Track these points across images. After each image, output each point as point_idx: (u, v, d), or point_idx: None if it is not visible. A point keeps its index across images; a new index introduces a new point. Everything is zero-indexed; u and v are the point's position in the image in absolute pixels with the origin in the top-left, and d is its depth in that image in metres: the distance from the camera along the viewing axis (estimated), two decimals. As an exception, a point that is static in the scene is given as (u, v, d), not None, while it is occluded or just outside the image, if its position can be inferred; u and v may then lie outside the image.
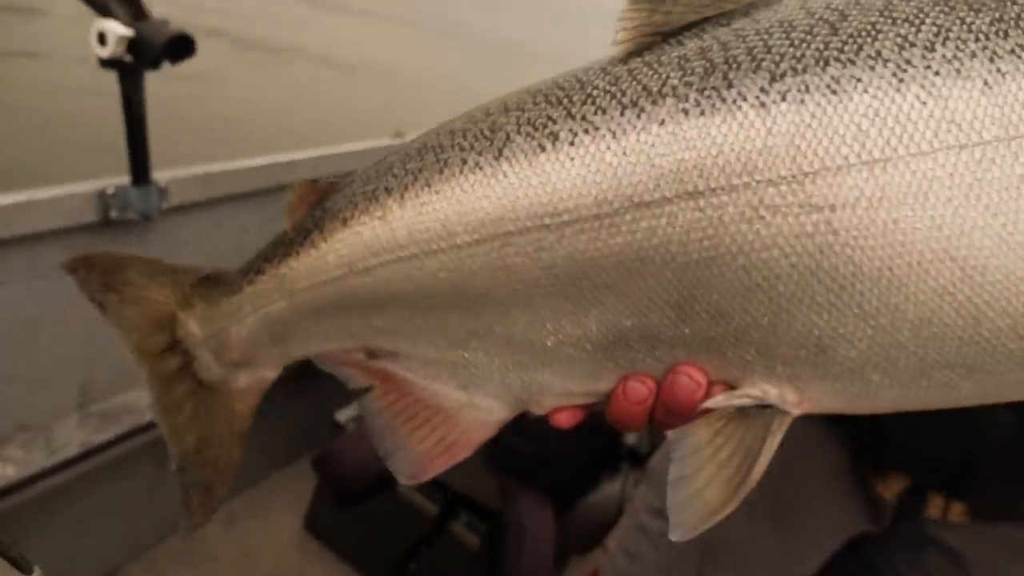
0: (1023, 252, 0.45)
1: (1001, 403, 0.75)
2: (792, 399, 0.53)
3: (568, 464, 1.85)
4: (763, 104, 0.49)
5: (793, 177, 0.48)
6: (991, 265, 0.46)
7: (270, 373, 0.66)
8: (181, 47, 1.48)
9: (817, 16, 0.51)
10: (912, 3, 0.50)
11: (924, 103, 0.47)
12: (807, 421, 0.90)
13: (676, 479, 0.53)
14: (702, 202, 0.49)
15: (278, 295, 0.61)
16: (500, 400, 0.59)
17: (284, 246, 0.62)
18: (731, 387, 0.54)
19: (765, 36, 0.51)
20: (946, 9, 0.49)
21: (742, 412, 0.54)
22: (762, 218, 0.48)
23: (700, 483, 0.53)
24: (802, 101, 0.48)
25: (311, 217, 0.62)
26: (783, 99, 0.48)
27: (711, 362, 0.53)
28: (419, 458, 0.61)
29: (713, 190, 0.49)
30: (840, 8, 0.51)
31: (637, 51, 0.55)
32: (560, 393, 0.58)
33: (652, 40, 0.55)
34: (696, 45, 0.53)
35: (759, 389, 0.53)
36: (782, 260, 0.49)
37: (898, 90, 0.47)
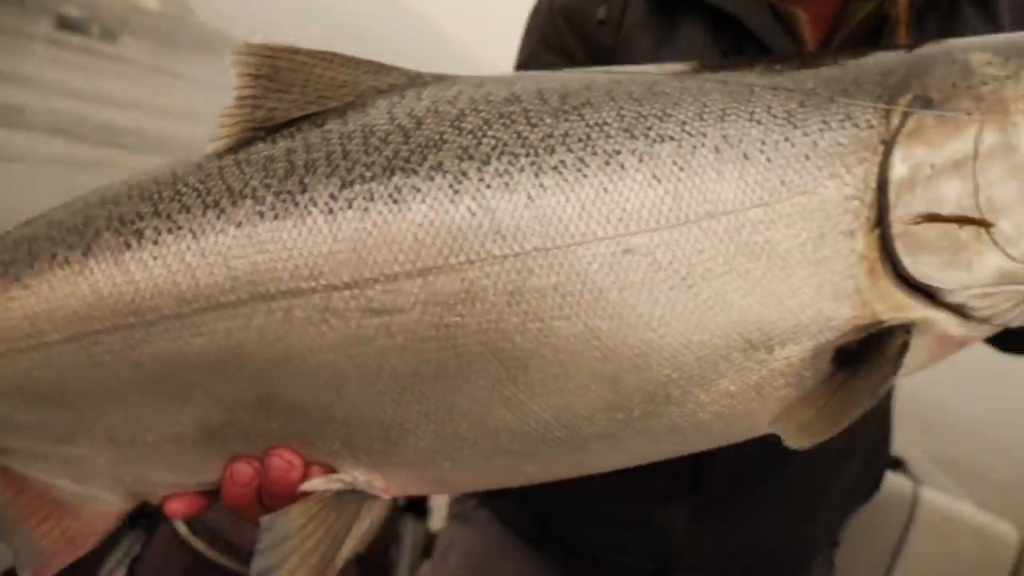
0: (553, 351, 0.50)
1: (677, 502, 0.79)
2: (380, 485, 0.56)
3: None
4: (331, 210, 0.51)
5: (355, 283, 0.50)
6: (531, 364, 0.50)
7: None
8: None
9: (396, 122, 0.54)
10: (481, 114, 0.54)
11: (474, 214, 0.50)
12: (524, 546, 0.92)
13: (259, 572, 0.54)
14: (274, 305, 0.51)
15: None
16: (116, 493, 0.59)
17: None
18: (332, 469, 0.56)
19: (345, 140, 0.54)
20: (508, 122, 0.53)
21: (338, 497, 0.56)
22: (327, 322, 0.51)
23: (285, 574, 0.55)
24: (366, 209, 0.51)
25: None
26: (349, 206, 0.51)
27: (304, 448, 0.55)
28: (42, 552, 0.59)
29: (284, 293, 0.51)
30: (419, 115, 0.54)
31: (235, 147, 0.56)
32: (171, 485, 0.58)
33: (253, 136, 0.56)
34: (285, 146, 0.55)
35: (350, 475, 0.55)
36: (348, 362, 0.51)
37: (452, 201, 0.51)
